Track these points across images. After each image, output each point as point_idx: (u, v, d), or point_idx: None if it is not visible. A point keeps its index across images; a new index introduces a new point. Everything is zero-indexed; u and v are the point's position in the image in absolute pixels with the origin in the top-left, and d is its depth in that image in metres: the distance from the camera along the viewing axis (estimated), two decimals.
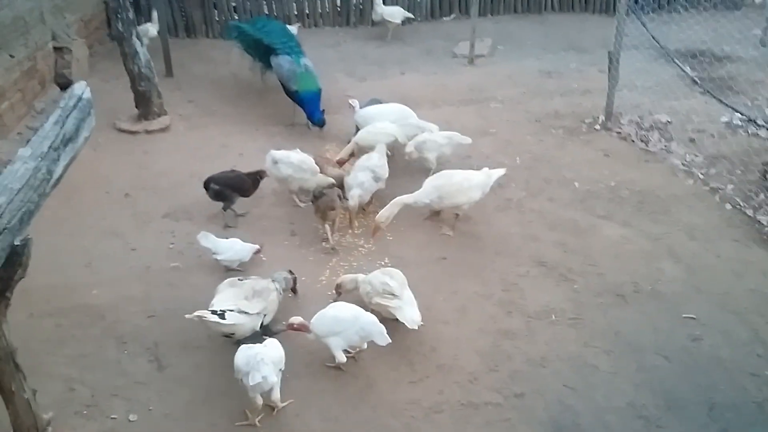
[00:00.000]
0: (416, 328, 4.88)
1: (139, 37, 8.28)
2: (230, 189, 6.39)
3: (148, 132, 8.34)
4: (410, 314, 4.90)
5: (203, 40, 11.99)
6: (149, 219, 6.60)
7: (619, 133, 8.37)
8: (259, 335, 4.72)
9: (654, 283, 5.70)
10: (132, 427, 4.38)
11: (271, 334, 4.75)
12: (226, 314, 4.63)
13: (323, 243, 6.16)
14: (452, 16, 13.15)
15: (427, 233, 6.40)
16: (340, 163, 6.98)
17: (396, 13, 11.85)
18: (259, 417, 4.34)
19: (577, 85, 9.86)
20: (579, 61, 10.86)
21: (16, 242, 3.31)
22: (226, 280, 5.10)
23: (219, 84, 9.95)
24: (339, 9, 12.77)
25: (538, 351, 5.00)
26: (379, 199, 6.67)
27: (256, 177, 6.52)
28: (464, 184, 6.18)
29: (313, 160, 6.64)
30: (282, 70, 8.49)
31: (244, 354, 4.26)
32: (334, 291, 5.32)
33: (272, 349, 4.33)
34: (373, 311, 4.90)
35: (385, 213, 5.95)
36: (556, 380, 4.75)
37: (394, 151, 7.17)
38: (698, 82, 9.48)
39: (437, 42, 11.89)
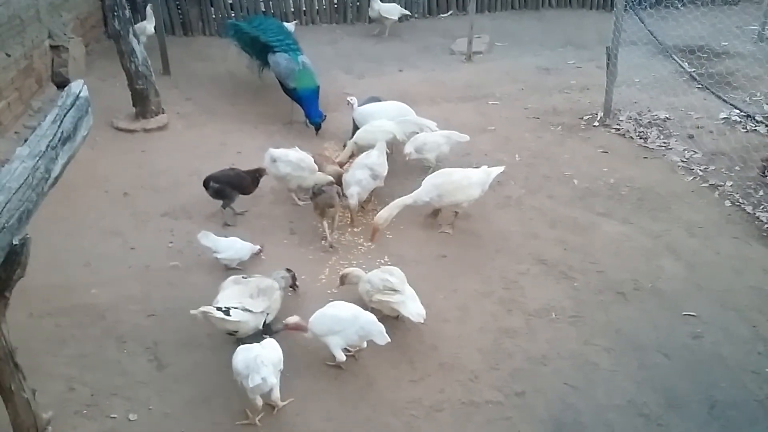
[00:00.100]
0: (422, 321, 4.87)
1: (135, 35, 8.25)
2: (230, 187, 6.38)
3: (146, 130, 8.32)
4: (414, 308, 4.90)
5: (200, 37, 11.95)
6: (148, 218, 6.58)
7: (618, 129, 8.36)
8: (259, 334, 4.71)
9: (654, 281, 5.70)
10: (132, 427, 4.37)
11: (272, 333, 4.74)
12: (231, 311, 4.62)
13: (322, 241, 6.15)
14: (449, 12, 13.14)
15: (426, 231, 6.39)
16: (341, 165, 6.96)
17: (393, 10, 11.83)
18: (260, 416, 4.32)
19: (575, 82, 9.85)
20: (577, 58, 10.85)
21: (15, 242, 3.30)
22: (230, 278, 5.09)
23: (217, 82, 9.92)
24: (336, 6, 12.75)
25: (538, 349, 4.99)
26: (378, 198, 6.67)
27: (256, 175, 6.50)
28: (463, 182, 6.17)
29: (312, 159, 6.63)
30: (280, 67, 8.47)
31: (242, 356, 4.24)
32: (339, 280, 5.32)
33: (271, 350, 4.32)
34: (373, 310, 4.89)
35: (384, 214, 5.93)
36: (557, 378, 4.74)
37: (394, 149, 7.15)
38: (696, 78, 9.50)
39: (435, 39, 11.88)
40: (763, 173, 7.05)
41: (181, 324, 5.09)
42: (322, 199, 6.09)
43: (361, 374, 4.74)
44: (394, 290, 4.92)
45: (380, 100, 7.97)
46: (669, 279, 5.72)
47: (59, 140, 3.75)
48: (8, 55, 7.78)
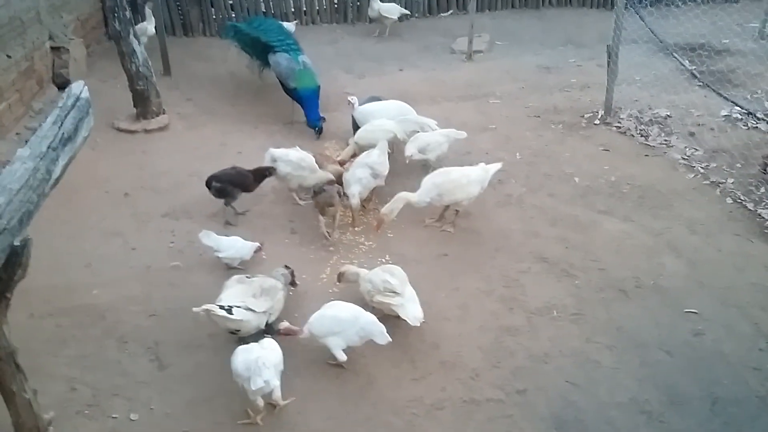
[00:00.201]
0: (418, 325, 4.87)
1: (136, 36, 8.26)
2: (232, 185, 6.39)
3: (146, 131, 8.33)
4: (412, 311, 4.90)
5: (201, 38, 11.95)
6: (149, 218, 6.58)
7: (619, 127, 8.35)
8: (261, 334, 4.71)
9: (656, 278, 5.69)
10: (133, 427, 4.37)
11: (273, 333, 4.74)
12: (234, 310, 4.62)
13: (324, 241, 6.15)
14: (450, 12, 13.13)
15: (427, 230, 6.38)
16: (341, 164, 6.96)
17: (393, 10, 11.82)
18: (261, 416, 4.32)
19: (576, 80, 9.83)
20: (578, 56, 10.83)
21: (16, 243, 3.30)
22: (233, 277, 5.09)
23: (217, 82, 9.93)
24: (336, 6, 12.75)
25: (540, 347, 4.99)
26: (379, 197, 6.67)
27: (264, 173, 6.49)
28: (462, 181, 6.17)
29: (313, 158, 6.63)
30: (280, 67, 8.47)
31: (242, 358, 4.23)
32: (337, 278, 5.33)
33: (271, 351, 4.32)
34: (373, 309, 4.89)
35: (390, 207, 5.95)
36: (559, 376, 4.74)
37: (394, 148, 7.15)
38: (697, 75, 9.49)
39: (435, 38, 11.87)
40: (764, 170, 7.04)
41: (183, 324, 5.09)
42: (323, 198, 6.10)
43: (362, 373, 4.74)
44: (394, 292, 4.92)
45: (381, 100, 7.97)
46: (670, 276, 5.72)
47: (60, 141, 3.75)
48: (9, 57, 7.79)
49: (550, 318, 5.28)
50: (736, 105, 8.54)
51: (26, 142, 3.75)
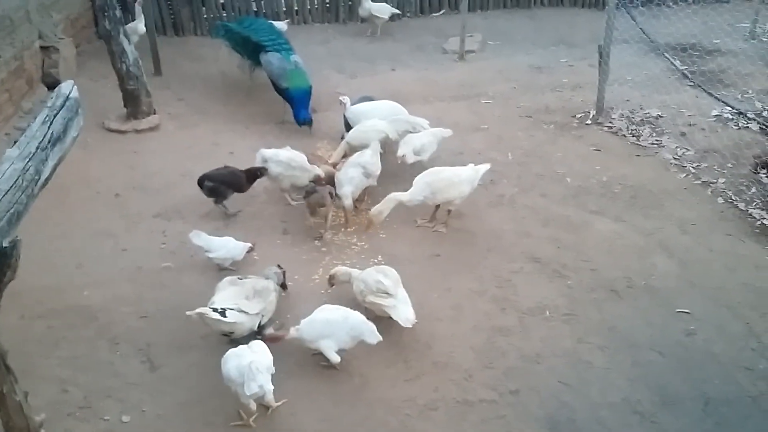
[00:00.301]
0: (410, 326, 4.86)
1: (126, 36, 8.21)
2: (224, 185, 6.38)
3: (137, 131, 8.28)
4: (404, 313, 4.89)
5: (192, 38, 11.89)
6: (140, 219, 6.55)
7: (611, 127, 8.36)
8: (254, 335, 4.70)
9: (647, 278, 5.71)
10: (125, 428, 4.35)
11: (264, 335, 4.74)
12: (227, 312, 4.60)
13: (316, 241, 6.14)
14: (442, 11, 13.11)
15: (420, 230, 6.38)
16: (333, 165, 6.95)
17: (383, 9, 11.80)
18: (254, 417, 4.31)
19: (567, 80, 9.84)
20: (569, 56, 10.84)
21: (5, 244, 3.27)
22: (225, 278, 5.07)
23: (208, 82, 9.89)
24: (328, 5, 12.71)
25: (532, 347, 4.99)
26: (372, 197, 6.66)
27: (256, 173, 6.48)
28: (454, 179, 6.19)
29: (305, 158, 6.61)
30: (272, 67, 8.44)
31: (234, 364, 4.18)
32: (327, 281, 5.31)
33: (262, 355, 4.29)
34: (366, 309, 4.88)
35: (379, 207, 5.95)
36: (551, 376, 4.75)
37: (386, 148, 7.14)
38: (688, 75, 9.53)
39: (427, 38, 11.86)
40: (755, 170, 7.06)
41: (174, 325, 5.07)
42: (314, 199, 6.09)
43: (355, 374, 4.73)
44: (387, 293, 4.92)
45: (373, 100, 7.96)
46: (662, 276, 5.74)
47: (49, 141, 3.73)
48: None
49: (543, 318, 5.29)
50: (727, 105, 8.58)
51: (15, 142, 3.73)
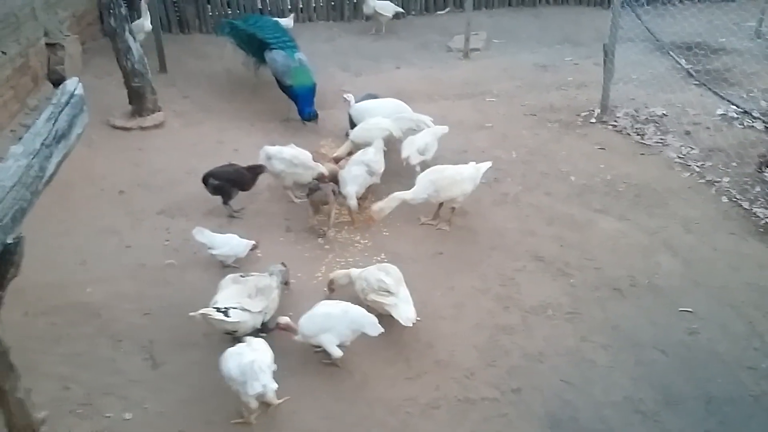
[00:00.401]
0: (411, 325, 4.86)
1: (132, 33, 8.24)
2: (229, 183, 6.39)
3: (142, 128, 8.30)
4: (405, 312, 4.88)
5: (197, 35, 11.92)
6: (144, 216, 6.56)
7: (615, 126, 8.35)
8: (256, 333, 4.70)
9: (651, 277, 5.69)
10: (127, 426, 4.36)
11: (267, 331, 4.74)
12: (230, 312, 4.61)
13: (319, 239, 6.14)
14: (447, 9, 13.12)
15: (423, 228, 6.37)
16: (337, 161, 6.95)
17: (388, 7, 11.82)
18: (255, 415, 4.31)
19: (572, 79, 9.82)
20: (574, 55, 10.82)
21: (9, 240, 3.28)
22: (228, 276, 5.07)
23: (213, 80, 9.90)
24: (333, 3, 12.73)
25: (535, 346, 4.99)
26: (376, 195, 6.65)
27: (256, 171, 6.49)
28: (456, 177, 6.19)
29: (309, 155, 6.62)
30: (276, 64, 8.45)
31: (235, 362, 4.17)
32: (326, 288, 5.30)
33: (263, 353, 4.28)
34: (368, 307, 4.88)
35: (381, 204, 5.95)
36: (554, 375, 4.74)
37: (390, 146, 7.14)
38: (693, 74, 9.50)
39: (432, 36, 11.86)
40: (760, 169, 7.04)
41: (177, 323, 5.07)
42: (317, 196, 6.10)
43: (356, 372, 4.73)
44: (388, 292, 4.91)
45: (377, 97, 7.96)
46: (666, 275, 5.72)
47: (54, 138, 3.73)
48: (4, 53, 7.76)
49: (546, 317, 5.28)
50: (732, 104, 8.55)
51: (20, 138, 3.73)
